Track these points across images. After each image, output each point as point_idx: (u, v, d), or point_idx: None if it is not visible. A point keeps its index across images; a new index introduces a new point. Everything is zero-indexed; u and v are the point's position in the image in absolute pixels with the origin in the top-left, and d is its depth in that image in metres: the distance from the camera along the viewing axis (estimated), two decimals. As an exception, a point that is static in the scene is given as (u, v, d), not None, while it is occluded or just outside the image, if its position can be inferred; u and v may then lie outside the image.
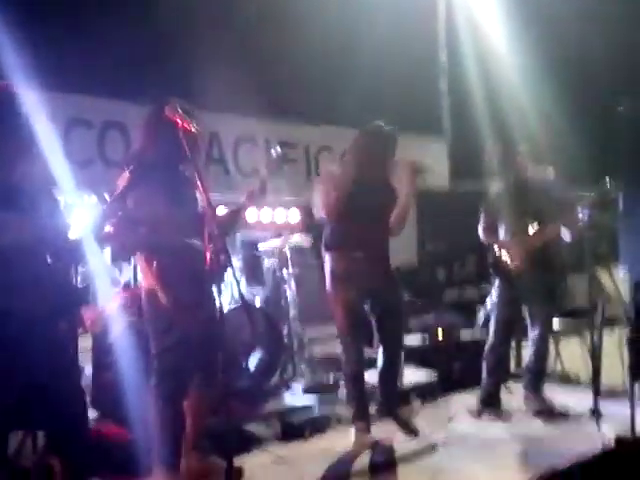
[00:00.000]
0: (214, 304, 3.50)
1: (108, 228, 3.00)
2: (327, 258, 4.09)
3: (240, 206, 3.65)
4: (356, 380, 4.07)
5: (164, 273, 3.31)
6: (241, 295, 3.31)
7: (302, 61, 7.91)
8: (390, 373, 4.26)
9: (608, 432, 4.00)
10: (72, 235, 2.81)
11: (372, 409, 4.37)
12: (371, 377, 4.29)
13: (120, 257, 4.76)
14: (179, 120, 3.16)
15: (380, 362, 4.22)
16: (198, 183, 3.04)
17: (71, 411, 2.70)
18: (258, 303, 5.37)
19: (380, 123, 4.17)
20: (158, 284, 3.34)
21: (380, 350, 4.21)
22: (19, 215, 2.60)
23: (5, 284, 2.51)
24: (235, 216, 3.67)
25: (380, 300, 4.14)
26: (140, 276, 3.50)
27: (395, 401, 4.36)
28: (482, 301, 6.35)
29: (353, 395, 4.10)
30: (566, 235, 4.66)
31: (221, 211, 3.62)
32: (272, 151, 3.65)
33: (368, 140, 4.14)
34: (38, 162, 2.86)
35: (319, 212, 4.02)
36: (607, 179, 4.48)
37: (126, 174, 3.24)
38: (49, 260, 2.68)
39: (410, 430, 4.21)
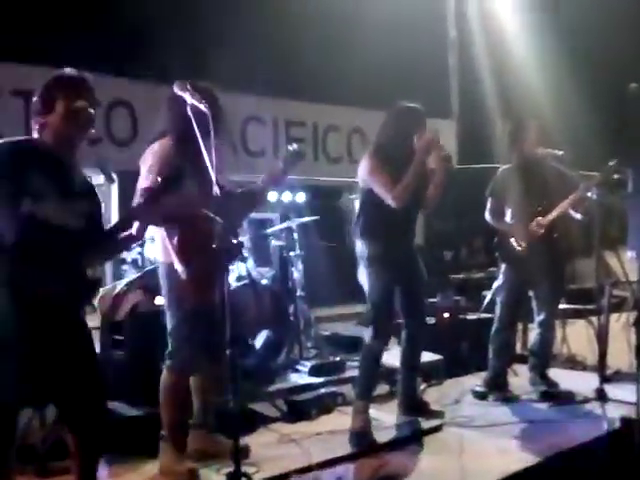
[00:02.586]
0: (224, 281, 3.53)
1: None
2: (364, 241, 4.06)
3: (255, 190, 3.63)
4: (374, 359, 4.08)
5: (184, 247, 3.32)
6: (248, 272, 3.30)
7: (309, 39, 7.86)
8: (415, 354, 4.30)
9: (614, 414, 4.00)
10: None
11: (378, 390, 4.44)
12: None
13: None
14: (188, 97, 3.14)
15: (405, 343, 4.26)
16: (207, 162, 3.02)
17: (91, 389, 2.73)
18: (265, 282, 5.37)
19: (411, 104, 4.14)
20: (177, 258, 3.35)
21: (405, 331, 4.25)
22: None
23: (35, 266, 2.54)
24: (251, 200, 3.64)
25: (412, 282, 4.19)
26: (156, 251, 3.52)
27: (417, 383, 4.39)
28: (489, 283, 6.34)
29: (366, 375, 4.10)
30: (577, 215, 4.64)
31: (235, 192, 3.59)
32: (289, 148, 3.57)
33: (415, 122, 4.08)
34: None
35: (390, 201, 3.93)
36: (614, 160, 4.46)
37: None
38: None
39: (433, 412, 4.26)
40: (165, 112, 3.47)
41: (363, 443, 3.83)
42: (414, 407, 4.27)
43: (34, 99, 2.72)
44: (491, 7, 8.83)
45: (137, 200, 3.24)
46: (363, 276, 4.09)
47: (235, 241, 3.02)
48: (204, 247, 3.22)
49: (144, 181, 3.32)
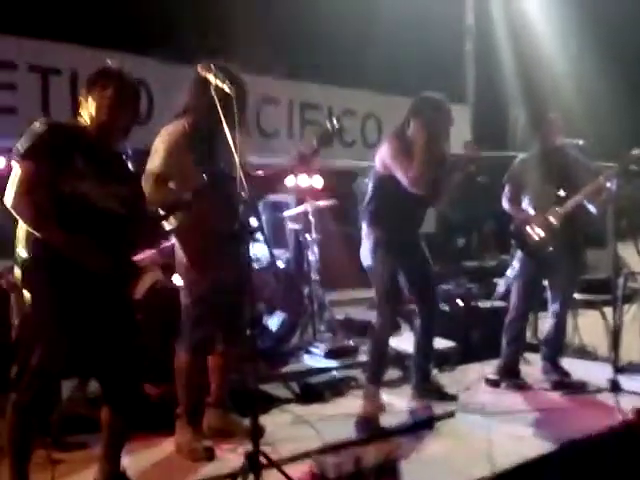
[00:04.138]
0: (242, 264, 3.54)
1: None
2: (372, 227, 4.08)
3: (281, 170, 3.64)
4: (382, 344, 4.10)
5: (186, 232, 3.33)
6: (271, 254, 3.31)
7: (326, 22, 7.81)
8: (428, 338, 4.30)
9: (627, 405, 4.01)
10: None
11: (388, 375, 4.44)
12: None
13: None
14: (212, 78, 3.13)
15: (418, 328, 4.27)
16: (230, 144, 3.02)
17: (132, 365, 2.84)
18: (280, 265, 5.38)
19: (437, 95, 4.11)
20: (180, 243, 3.37)
21: (418, 317, 4.26)
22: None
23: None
24: (275, 179, 3.67)
25: (419, 268, 4.21)
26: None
27: (430, 367, 4.41)
28: (501, 270, 6.33)
29: (375, 359, 4.13)
30: (592, 208, 4.62)
31: (259, 173, 3.59)
32: (328, 123, 3.52)
33: (437, 116, 4.05)
34: None
35: (408, 185, 3.91)
36: (635, 149, 4.43)
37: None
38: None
39: (447, 395, 4.30)
40: (186, 93, 3.45)
41: (369, 428, 3.83)
42: (428, 391, 4.29)
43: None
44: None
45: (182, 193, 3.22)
46: (366, 256, 4.11)
47: (251, 223, 3.03)
48: (204, 231, 3.24)
49: (149, 162, 3.35)
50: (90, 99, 2.79)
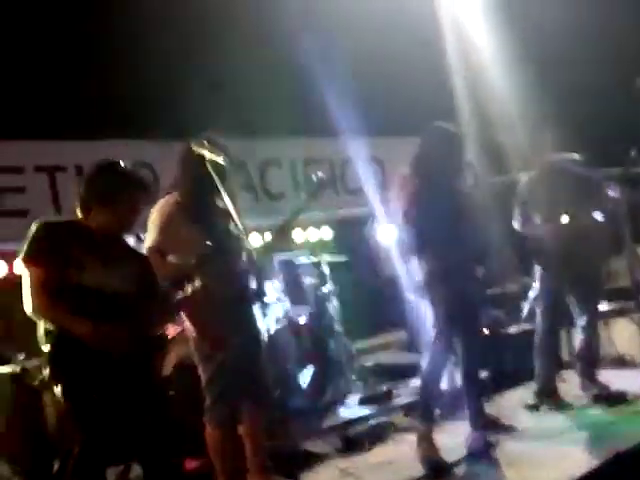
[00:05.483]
0: (254, 327, 3.58)
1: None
2: (419, 260, 4.03)
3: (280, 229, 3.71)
4: (435, 381, 4.06)
5: (192, 305, 3.30)
6: (287, 313, 3.36)
7: (315, 76, 7.99)
8: (471, 368, 4.20)
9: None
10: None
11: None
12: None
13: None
14: (207, 153, 3.25)
15: (461, 358, 4.19)
16: (228, 211, 3.12)
17: (167, 442, 2.87)
18: (303, 321, 5.41)
19: (445, 125, 4.19)
20: (187, 316, 3.43)
21: (462, 351, 4.16)
22: None
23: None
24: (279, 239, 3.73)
25: (469, 300, 4.11)
26: None
27: (482, 398, 4.30)
28: (524, 293, 6.30)
29: (426, 396, 4.06)
30: (598, 215, 4.63)
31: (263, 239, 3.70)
32: (313, 177, 3.64)
33: (446, 140, 4.13)
34: None
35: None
36: (632, 152, 4.46)
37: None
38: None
39: (503, 426, 4.23)
40: (177, 169, 3.57)
41: (437, 467, 3.78)
42: (484, 423, 4.18)
43: (86, 180, 2.90)
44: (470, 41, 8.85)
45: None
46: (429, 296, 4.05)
47: (254, 287, 3.10)
48: (209, 301, 3.23)
49: (146, 239, 3.42)
50: (103, 209, 2.84)
